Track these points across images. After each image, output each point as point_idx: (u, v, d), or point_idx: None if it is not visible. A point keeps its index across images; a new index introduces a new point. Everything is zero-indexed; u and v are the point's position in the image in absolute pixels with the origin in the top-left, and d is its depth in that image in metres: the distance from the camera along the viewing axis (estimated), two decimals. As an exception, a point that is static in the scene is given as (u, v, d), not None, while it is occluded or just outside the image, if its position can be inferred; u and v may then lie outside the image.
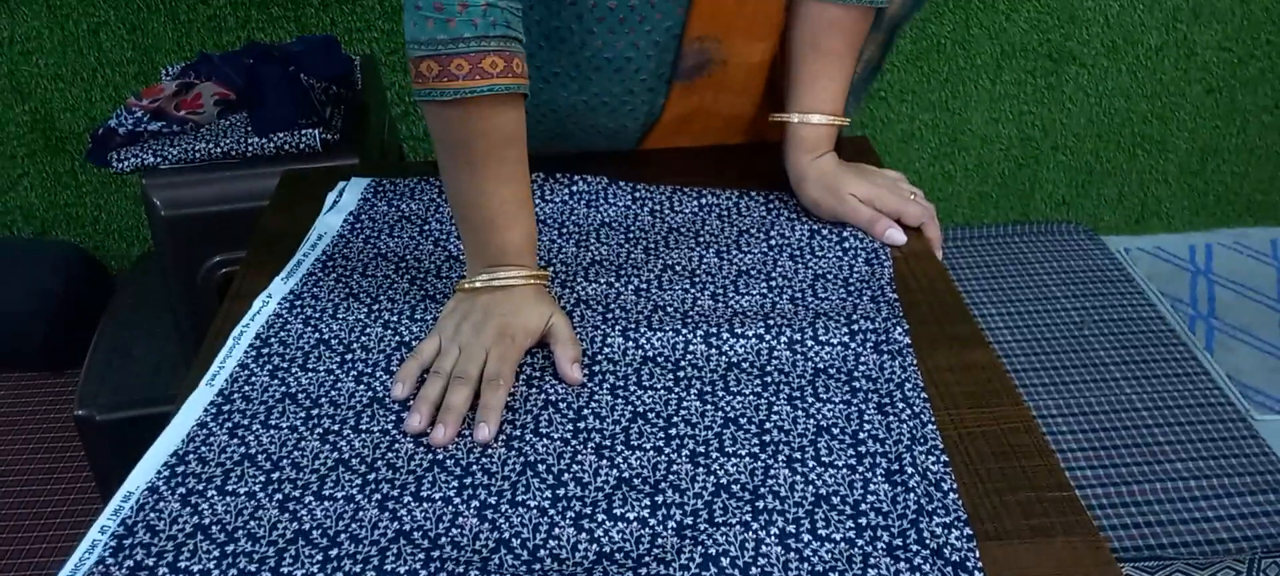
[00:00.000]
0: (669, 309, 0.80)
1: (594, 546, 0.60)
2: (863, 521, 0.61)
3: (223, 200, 1.19)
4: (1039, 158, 2.25)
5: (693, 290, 0.82)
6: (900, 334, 0.76)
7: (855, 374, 0.72)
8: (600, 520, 0.61)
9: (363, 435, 0.68)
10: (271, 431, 0.68)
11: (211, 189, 1.18)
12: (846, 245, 0.87)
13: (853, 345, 0.75)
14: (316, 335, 0.77)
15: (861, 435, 0.67)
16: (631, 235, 0.90)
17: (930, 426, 0.68)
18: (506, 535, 0.60)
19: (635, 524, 0.61)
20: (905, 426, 0.68)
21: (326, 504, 0.62)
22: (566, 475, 0.65)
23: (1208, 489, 1.59)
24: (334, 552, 0.59)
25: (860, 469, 0.65)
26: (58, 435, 1.71)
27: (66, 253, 1.92)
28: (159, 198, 1.19)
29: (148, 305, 1.54)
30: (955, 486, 0.63)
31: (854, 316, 0.78)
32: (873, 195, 0.89)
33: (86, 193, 2.01)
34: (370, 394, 0.72)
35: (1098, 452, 1.68)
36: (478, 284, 0.76)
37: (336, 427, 0.69)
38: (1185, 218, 2.35)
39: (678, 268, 0.85)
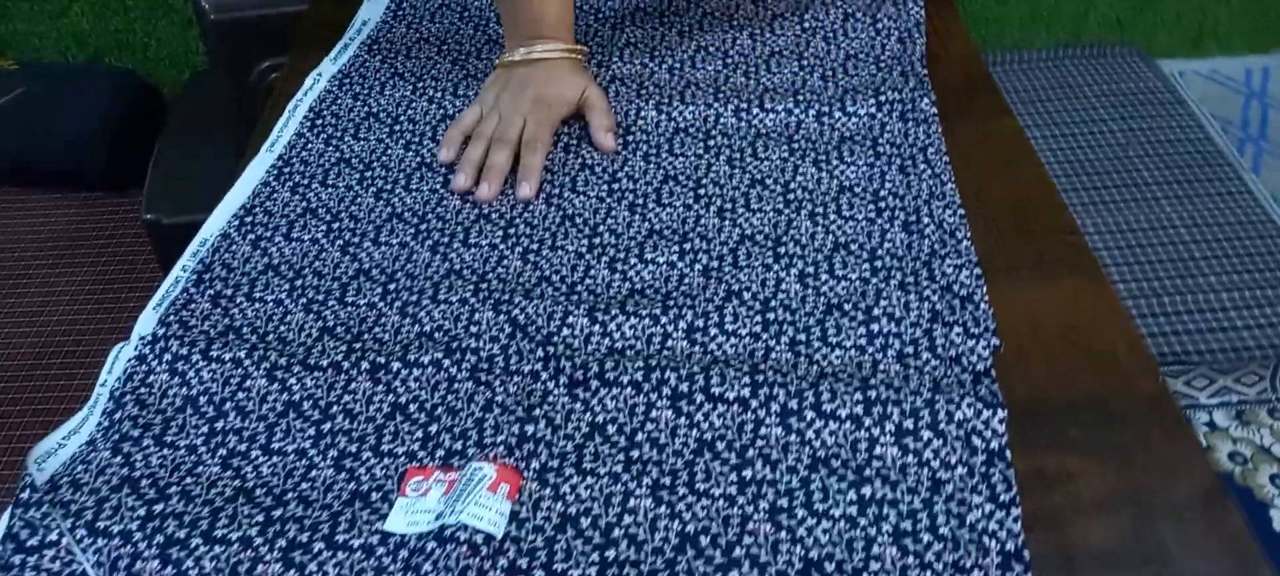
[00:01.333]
0: (701, 85, 0.82)
1: (626, 283, 0.65)
2: (877, 264, 0.65)
3: (269, 4, 1.22)
4: (1093, -24, 2.17)
5: (725, 69, 0.84)
6: (927, 104, 0.78)
7: (880, 140, 0.75)
8: (633, 263, 0.66)
9: (413, 193, 0.73)
10: (329, 189, 0.73)
11: (261, -10, 1.21)
12: (880, 26, 0.88)
13: (879, 115, 0.77)
14: (366, 109, 0.81)
15: (882, 192, 0.70)
16: (666, 19, 0.91)
17: (949, 184, 0.71)
18: (547, 272, 0.65)
19: (665, 266, 0.66)
20: (924, 183, 0.71)
21: (383, 248, 0.68)
22: (602, 227, 0.69)
23: (1239, 300, 1.61)
24: (392, 287, 0.65)
25: (879, 221, 0.68)
26: (128, 248, 1.81)
27: (121, 77, 1.97)
28: (208, 2, 1.22)
29: (203, 119, 1.60)
30: (969, 236, 0.66)
31: (882, 89, 0.80)
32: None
33: (135, 18, 2.05)
34: (418, 159, 0.76)
35: (1132, 266, 1.69)
36: (516, 58, 0.79)
37: (389, 188, 0.73)
38: (1244, 39, 2.27)
39: (711, 48, 0.87)
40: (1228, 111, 2.16)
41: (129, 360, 0.59)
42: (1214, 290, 1.63)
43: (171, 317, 0.62)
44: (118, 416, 0.56)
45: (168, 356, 0.59)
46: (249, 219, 0.71)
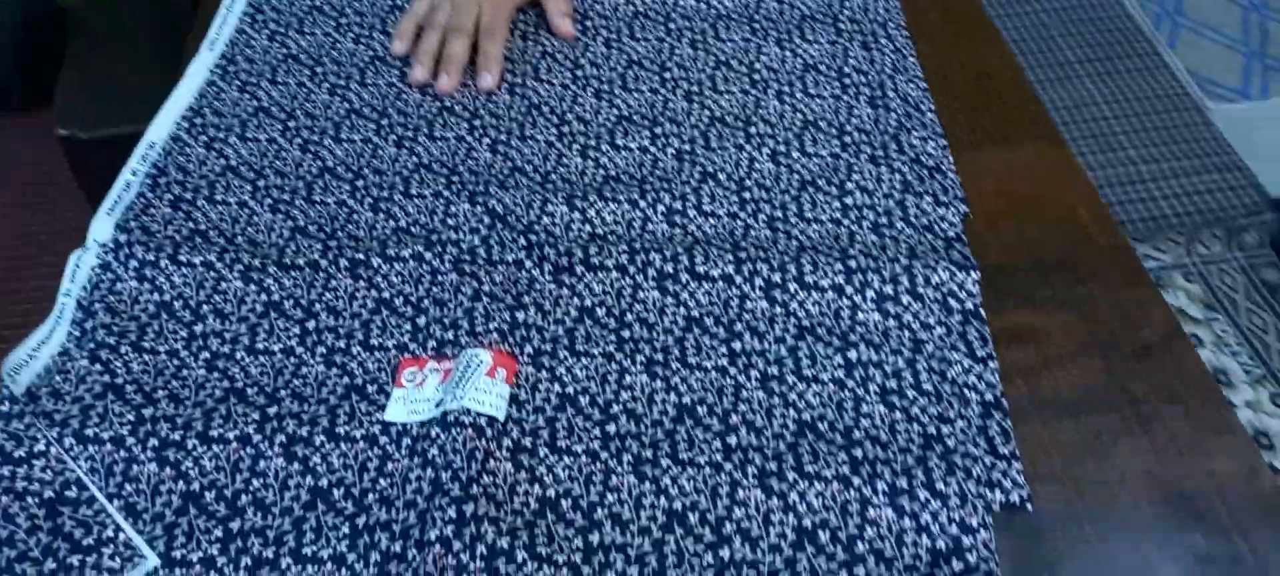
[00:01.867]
0: (657, -34, 0.81)
1: (600, 171, 0.64)
2: (847, 139, 0.66)
3: (181, -105, 1.14)
4: None
5: (679, -51, 0.83)
6: (884, -20, 0.78)
7: (840, 17, 0.75)
8: (605, 150, 0.66)
9: (370, 88, 0.71)
10: (279, 87, 0.70)
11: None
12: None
13: (838, -7, 0.77)
14: (309, 2, 0.78)
15: (846, 68, 0.71)
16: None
17: (912, 59, 0.71)
18: (519, 163, 0.65)
19: (637, 151, 0.65)
20: (887, 58, 0.71)
21: (345, 145, 0.66)
22: (569, 115, 0.68)
23: (1157, 172, 1.68)
24: (360, 183, 0.63)
25: (845, 97, 0.69)
26: (41, 168, 1.71)
27: (11, -15, 1.83)
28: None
29: (110, 26, 1.51)
30: (933, 108, 0.68)
31: (838, -34, 0.79)
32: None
33: (21, -80, 1.89)
34: (370, 53, 0.74)
35: (1058, 144, 1.74)
36: None
37: (343, 84, 0.71)
38: (1159, -85, 2.31)
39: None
40: (1144, -12, 2.21)
41: (92, 268, 0.57)
42: (1133, 162, 1.70)
43: (132, 223, 0.60)
44: (89, 326, 0.54)
45: (134, 262, 0.57)
46: (199, 120, 0.68)
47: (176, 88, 0.70)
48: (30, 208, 1.64)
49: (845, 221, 0.60)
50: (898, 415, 0.50)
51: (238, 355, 0.53)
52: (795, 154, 0.65)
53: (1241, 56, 1.99)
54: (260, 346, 0.54)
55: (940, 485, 0.47)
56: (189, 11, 1.11)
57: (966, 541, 0.45)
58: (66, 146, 1.36)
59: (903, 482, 0.47)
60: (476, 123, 0.68)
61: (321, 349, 0.53)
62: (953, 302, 0.55)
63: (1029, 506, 0.47)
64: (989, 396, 0.51)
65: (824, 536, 0.46)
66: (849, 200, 0.61)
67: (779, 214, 0.61)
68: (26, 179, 1.70)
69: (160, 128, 0.67)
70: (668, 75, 0.71)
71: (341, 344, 0.54)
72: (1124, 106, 1.81)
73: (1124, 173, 1.68)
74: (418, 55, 0.72)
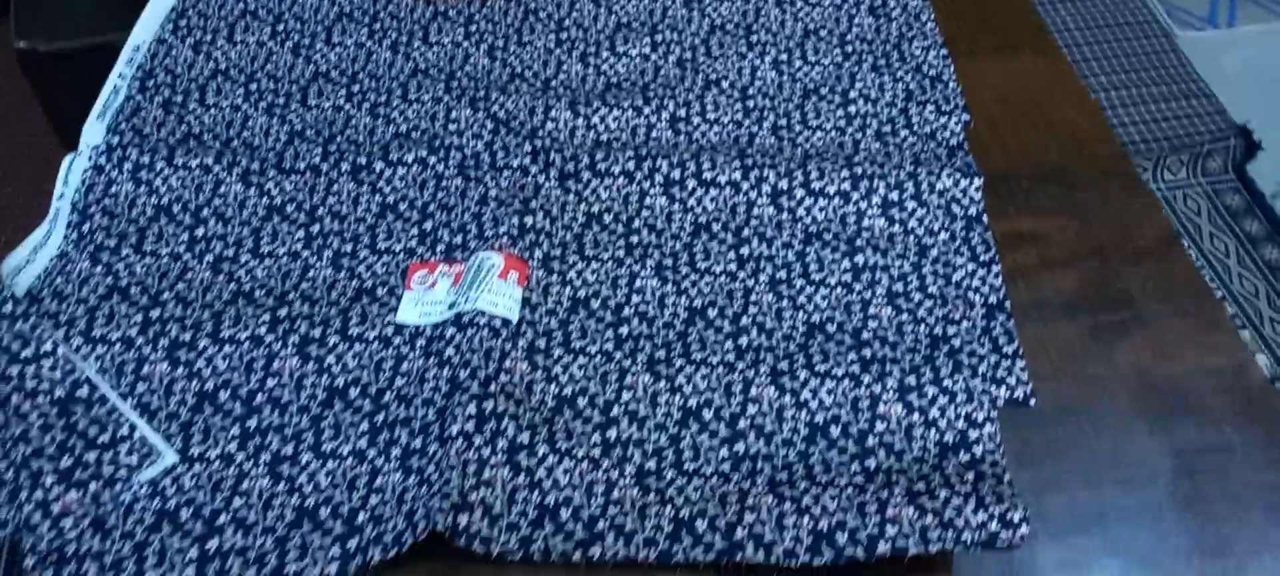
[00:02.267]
0: None
1: (601, 78, 0.63)
2: (848, 49, 0.65)
3: None
4: None
5: None
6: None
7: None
8: (604, 56, 0.65)
9: (361, -8, 0.69)
10: (267, -10, 0.68)
11: None
12: None
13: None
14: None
15: (845, -23, 0.70)
16: None
17: (910, -31, 0.71)
18: (518, 68, 0.64)
19: (638, 59, 0.65)
20: (887, -32, 0.71)
21: (337, 49, 0.64)
22: (567, 20, 0.67)
23: (1125, 98, 1.70)
24: (356, 88, 0.62)
25: (845, 5, 0.68)
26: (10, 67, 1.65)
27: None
28: None
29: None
30: (933, 17, 0.68)
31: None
32: None
33: None
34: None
35: (1030, 69, 1.76)
36: None
37: (334, -14, 0.69)
38: None
39: None
40: (1116, -85, 2.21)
41: (85, 171, 0.55)
42: (1102, 89, 1.72)
43: (123, 125, 0.58)
44: (87, 228, 0.53)
45: (128, 165, 0.56)
46: (184, 22, 0.65)
47: (157, -10, 0.68)
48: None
49: (849, 129, 0.60)
50: (904, 316, 0.51)
51: (242, 259, 0.52)
52: (798, 62, 0.65)
53: (1209, -15, 2.01)
54: (265, 249, 0.53)
55: (947, 382, 0.48)
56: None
57: (973, 434, 0.47)
58: (24, 60, 1.31)
59: (911, 380, 0.48)
60: (472, 28, 0.66)
61: (328, 253, 0.53)
62: (956, 208, 0.56)
63: (1032, 402, 0.48)
64: (992, 299, 0.52)
65: (835, 431, 0.47)
66: (852, 109, 0.62)
67: (783, 122, 0.61)
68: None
69: (145, 29, 0.65)
70: (666, -17, 0.70)
71: (348, 248, 0.53)
72: (1094, 34, 1.83)
73: (1093, 98, 1.70)
74: None
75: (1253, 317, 1.37)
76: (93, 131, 0.58)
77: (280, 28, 0.65)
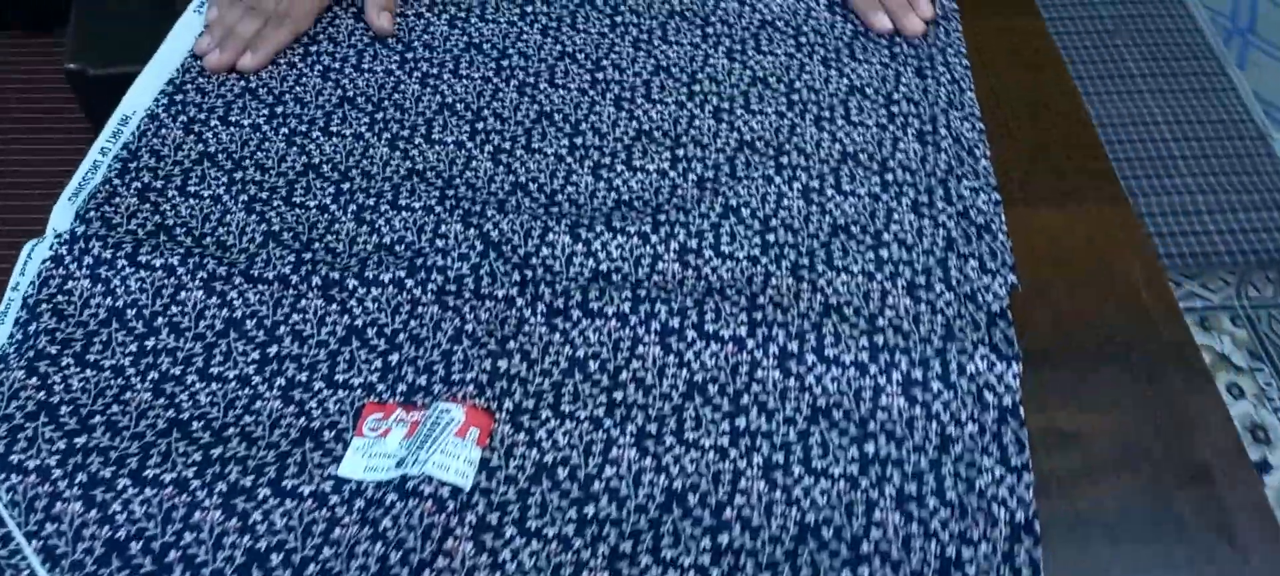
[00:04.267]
0: (697, -43, 0.74)
1: (613, 194, 0.58)
2: (889, 178, 0.59)
3: None
4: None
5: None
6: (948, 0, 0.71)
7: (896, 39, 0.68)
8: (619, 170, 0.59)
9: (366, 74, 0.65)
10: (270, 66, 0.65)
11: None
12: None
13: (891, 7, 0.70)
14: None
15: (896, 95, 0.64)
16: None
17: (969, 93, 0.64)
18: (522, 178, 0.59)
19: (655, 175, 0.59)
20: (943, 89, 0.64)
21: (334, 139, 0.60)
22: (584, 125, 0.62)
23: (1212, 204, 1.59)
24: (346, 186, 0.57)
25: (891, 127, 0.62)
26: (55, 90, 1.67)
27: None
28: None
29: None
30: (988, 153, 0.61)
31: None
32: None
33: None
34: (369, 34, 0.67)
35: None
36: None
37: (337, 66, 0.65)
38: (1242, -77, 2.18)
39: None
40: (1217, 1, 2.09)
41: (44, 262, 0.52)
42: (1190, 191, 1.61)
43: (92, 213, 0.54)
44: (33, 329, 0.49)
45: (88, 259, 0.52)
46: (180, 97, 0.62)
47: (158, 53, 0.65)
48: (36, 129, 1.60)
49: (878, 276, 0.54)
50: (914, 528, 0.44)
51: (189, 379, 0.48)
52: (830, 191, 0.58)
53: (1315, 84, 1.88)
54: (214, 371, 0.48)
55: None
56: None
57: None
58: (74, 82, 1.31)
59: (913, 609, 0.41)
60: (480, 126, 0.61)
61: (281, 380, 0.48)
62: (989, 396, 0.49)
63: (1055, 651, 0.41)
64: (1021, 515, 0.45)
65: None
66: (885, 253, 0.55)
67: (805, 261, 0.54)
68: (38, 101, 1.66)
69: (137, 98, 0.62)
70: (697, 87, 0.65)
71: (303, 377, 0.48)
72: (1183, 128, 1.72)
73: (1176, 202, 1.59)
74: (212, 23, 0.66)
75: (1338, 465, 1.24)
76: (61, 214, 0.54)
77: (279, 110, 0.62)
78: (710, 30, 0.68)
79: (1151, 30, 1.92)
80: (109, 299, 0.51)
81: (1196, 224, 1.56)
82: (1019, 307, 0.53)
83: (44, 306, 0.50)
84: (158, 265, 0.52)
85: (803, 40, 0.68)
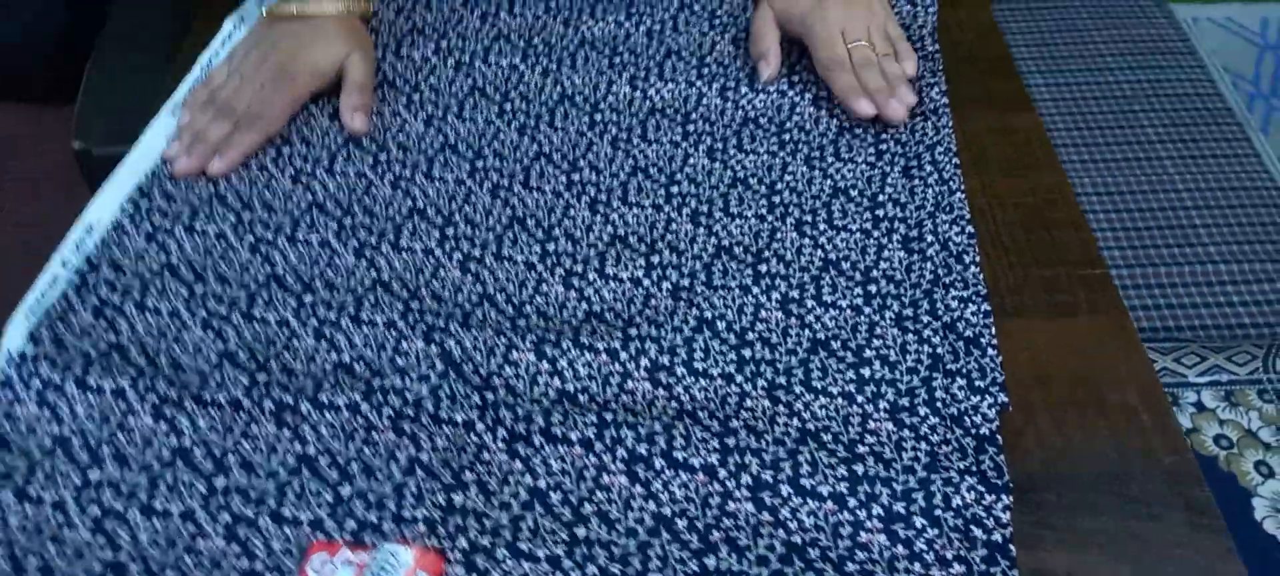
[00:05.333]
0: (683, 54, 0.72)
1: (583, 304, 0.56)
2: (872, 288, 0.56)
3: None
4: (1110, -91, 2.04)
5: (712, 32, 0.74)
6: (938, 94, 0.69)
7: (882, 135, 0.66)
8: (592, 278, 0.57)
9: (337, 178, 0.63)
10: (239, 171, 0.64)
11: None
12: (885, -11, 0.78)
13: (881, 102, 0.68)
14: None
15: (881, 198, 0.61)
16: (644, -31, 0.80)
17: (959, 194, 0.62)
18: (490, 289, 0.57)
19: (628, 283, 0.57)
20: (930, 191, 0.62)
21: (300, 247, 0.59)
22: (557, 230, 0.60)
23: (1238, 273, 1.54)
24: (308, 298, 0.56)
25: (876, 233, 0.59)
26: (68, 164, 1.69)
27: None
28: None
29: (143, 35, 1.47)
30: (977, 259, 0.58)
31: (886, 69, 0.70)
32: (854, 61, 0.67)
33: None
34: (342, 136, 0.66)
35: (1129, 232, 1.62)
36: (282, 10, 0.67)
37: (309, 170, 0.64)
38: (1261, -15, 2.15)
39: (696, 6, 0.76)
40: (1241, 65, 2.06)
41: None
42: (1213, 261, 1.56)
43: (44, 331, 0.53)
44: None
45: (37, 383, 0.50)
46: (145, 204, 0.61)
47: (127, 157, 0.64)
48: (51, 201, 1.61)
49: (858, 398, 0.51)
50: (891, 685, 0.41)
51: (131, 515, 0.46)
52: (810, 302, 0.56)
53: (1341, 149, 1.84)
54: (158, 506, 0.46)
55: None
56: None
57: None
58: (80, 160, 1.32)
59: None
60: (449, 232, 0.60)
61: (226, 515, 0.46)
62: (977, 532, 0.45)
63: None
64: (1008, 672, 0.41)
65: None
66: (866, 371, 0.52)
67: (782, 380, 0.52)
68: (50, 173, 1.67)
69: (101, 208, 0.61)
70: (676, 189, 0.63)
71: (249, 512, 0.46)
72: (1207, 196, 1.67)
73: (1201, 272, 1.54)
74: (182, 129, 0.64)
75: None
76: (15, 332, 0.53)
77: (246, 216, 0.60)
78: (691, 128, 0.67)
79: (1171, 94, 1.89)
80: (56, 426, 0.49)
81: (1221, 295, 1.52)
82: (1008, 431, 0.50)
83: None
84: (107, 388, 0.50)
85: (786, 138, 0.66)
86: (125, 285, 0.56)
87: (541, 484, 0.47)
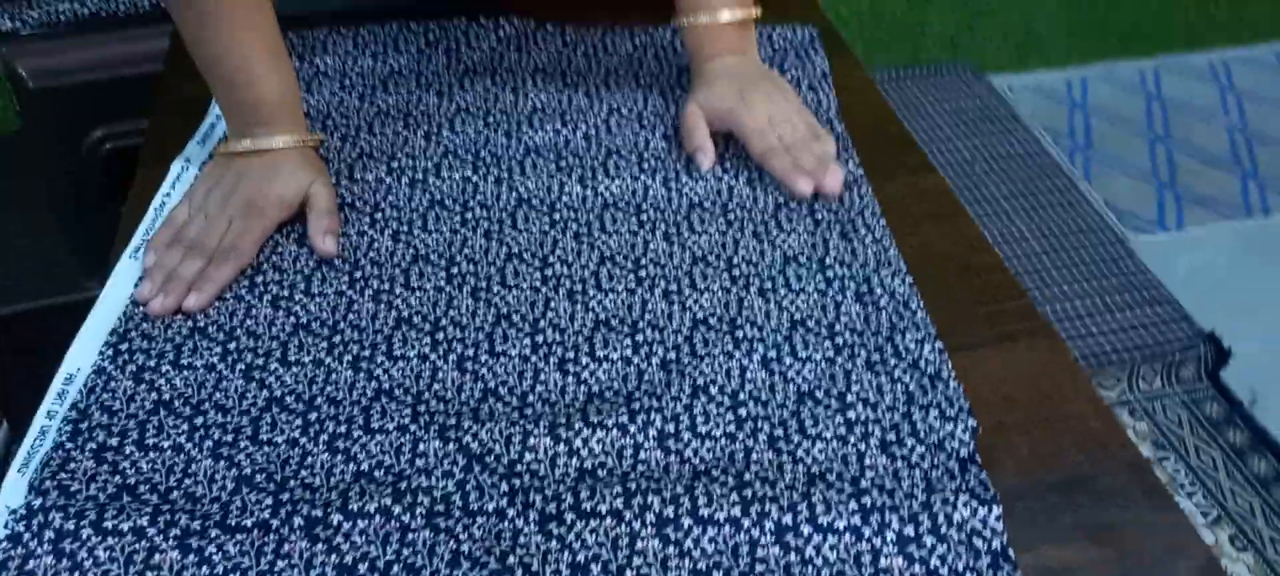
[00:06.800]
0: (622, 152, 0.78)
1: (582, 387, 0.59)
2: (840, 341, 0.62)
3: (103, 66, 1.08)
4: (928, 0, 2.28)
5: (644, 131, 0.80)
6: (854, 165, 0.77)
7: (815, 205, 0.73)
8: (584, 362, 0.61)
9: (317, 298, 0.65)
10: (218, 304, 0.64)
11: (89, 54, 1.06)
12: (789, 77, 0.86)
13: (809, 178, 0.75)
14: (249, 199, 0.72)
15: (828, 260, 0.68)
16: (569, 79, 0.86)
17: (893, 250, 0.69)
18: (491, 384, 0.59)
19: (620, 363, 0.61)
20: (869, 250, 0.69)
21: (294, 369, 0.59)
22: (542, 322, 0.63)
23: (1092, 307, 1.71)
24: (313, 416, 0.56)
25: (830, 292, 0.66)
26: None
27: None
28: (25, 67, 1.06)
29: (18, 193, 1.41)
30: (922, 304, 0.65)
31: (807, 149, 0.78)
32: (785, 144, 0.74)
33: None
34: (314, 259, 0.68)
35: (994, 280, 1.77)
36: (235, 149, 0.70)
37: (286, 294, 0.65)
38: (1062, 53, 2.44)
39: (624, 110, 0.82)
40: (1056, 122, 2.31)
41: (0, 543, 0.48)
42: (1068, 298, 1.73)
43: (47, 482, 0.52)
44: None
45: (50, 534, 0.49)
46: (125, 346, 0.60)
47: (98, 302, 0.63)
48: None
49: (851, 438, 0.56)
50: (940, 686, 0.45)
51: None
52: (788, 359, 0.61)
53: (1154, 187, 2.08)
54: None
55: None
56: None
57: None
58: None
59: None
60: (439, 337, 0.62)
61: None
62: (978, 542, 0.51)
63: None
64: (1034, 656, 0.46)
65: None
66: (852, 414, 0.57)
67: (779, 432, 0.56)
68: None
69: (79, 356, 0.59)
70: (643, 272, 0.67)
71: None
72: (1052, 242, 1.86)
73: (1062, 309, 1.70)
74: (152, 270, 0.65)
75: (1254, 540, 1.32)
76: (13, 490, 0.51)
77: (232, 346, 0.61)
78: (644, 217, 0.72)
79: (1003, 155, 2.10)
80: (77, 574, 0.48)
81: (1081, 327, 1.68)
82: (984, 450, 0.56)
83: None
84: (125, 529, 0.49)
85: (731, 217, 0.72)
86: (122, 427, 0.55)
87: (581, 558, 0.49)
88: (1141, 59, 2.47)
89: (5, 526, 0.49)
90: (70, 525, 0.49)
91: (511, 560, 0.49)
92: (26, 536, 0.49)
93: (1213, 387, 1.56)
